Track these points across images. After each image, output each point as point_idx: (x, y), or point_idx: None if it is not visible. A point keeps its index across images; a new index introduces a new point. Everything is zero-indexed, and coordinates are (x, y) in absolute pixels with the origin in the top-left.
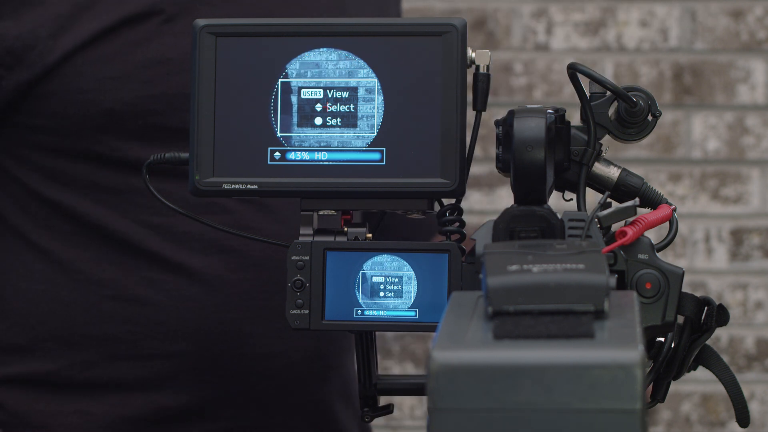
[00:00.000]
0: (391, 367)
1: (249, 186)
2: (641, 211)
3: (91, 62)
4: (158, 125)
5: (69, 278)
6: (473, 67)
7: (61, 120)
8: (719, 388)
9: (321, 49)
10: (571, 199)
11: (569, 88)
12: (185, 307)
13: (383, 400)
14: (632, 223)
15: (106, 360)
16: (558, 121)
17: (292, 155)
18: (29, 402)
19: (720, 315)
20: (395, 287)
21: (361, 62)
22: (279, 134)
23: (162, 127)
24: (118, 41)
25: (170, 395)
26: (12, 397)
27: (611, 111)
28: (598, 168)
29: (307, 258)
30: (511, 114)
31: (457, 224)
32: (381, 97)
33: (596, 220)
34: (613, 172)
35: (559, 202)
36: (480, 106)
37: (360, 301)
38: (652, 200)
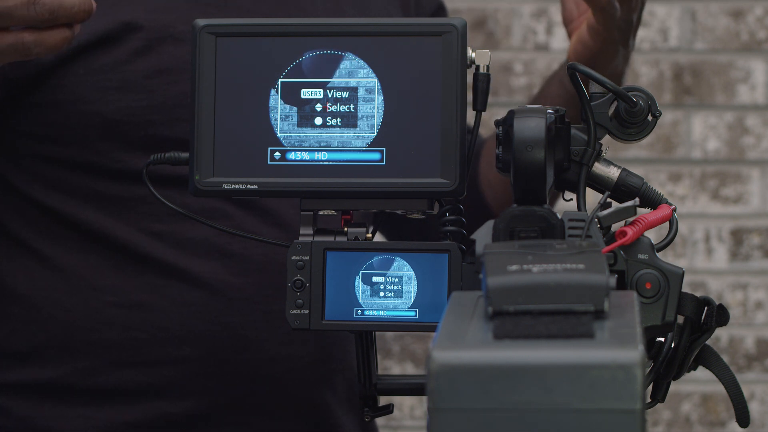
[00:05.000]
0: (391, 367)
1: (249, 186)
2: (641, 211)
3: (92, 72)
4: (160, 135)
5: (70, 285)
6: (473, 67)
7: (63, 129)
8: (719, 388)
9: (321, 49)
10: (571, 199)
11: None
12: (188, 313)
13: (383, 400)
14: (632, 223)
15: (108, 367)
16: (558, 121)
17: (292, 155)
18: (33, 407)
19: (720, 315)
20: (395, 287)
21: (361, 62)
22: (279, 134)
23: (164, 137)
24: (119, 51)
25: (174, 401)
26: (16, 403)
27: (611, 111)
28: (598, 168)
29: (307, 258)
30: (511, 114)
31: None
32: (381, 97)
33: (596, 220)
34: (613, 172)
35: (559, 202)
36: (480, 106)
37: (360, 301)
38: (652, 200)
